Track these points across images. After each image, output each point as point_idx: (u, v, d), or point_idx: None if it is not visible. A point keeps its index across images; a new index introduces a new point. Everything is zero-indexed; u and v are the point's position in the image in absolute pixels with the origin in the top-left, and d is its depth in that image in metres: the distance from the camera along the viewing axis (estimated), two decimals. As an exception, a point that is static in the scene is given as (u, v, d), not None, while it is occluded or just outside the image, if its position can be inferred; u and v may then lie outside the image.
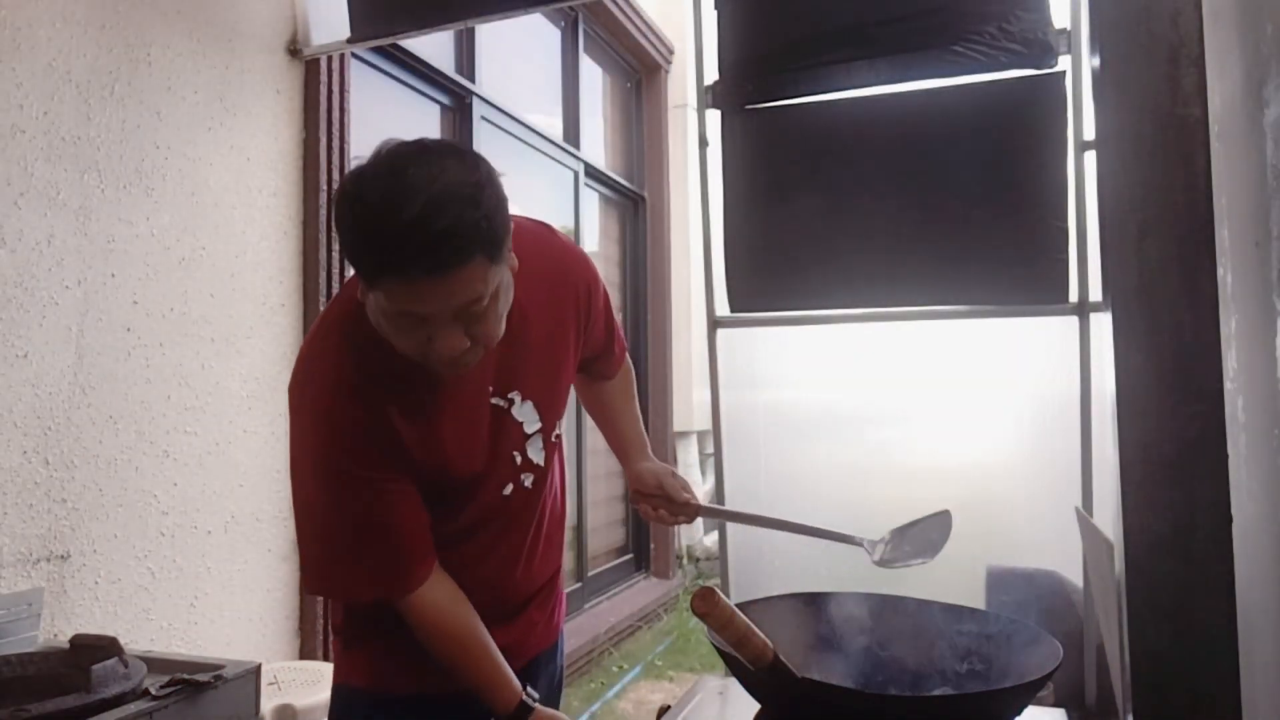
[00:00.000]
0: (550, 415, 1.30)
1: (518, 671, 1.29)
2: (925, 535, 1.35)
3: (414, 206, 0.95)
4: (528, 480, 1.29)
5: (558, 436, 1.35)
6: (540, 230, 1.33)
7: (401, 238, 0.95)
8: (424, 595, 1.19)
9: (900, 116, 1.84)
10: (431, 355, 1.06)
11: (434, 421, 1.18)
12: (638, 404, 1.60)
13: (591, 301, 1.37)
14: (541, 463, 1.30)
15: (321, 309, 2.61)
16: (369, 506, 1.15)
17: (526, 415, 1.27)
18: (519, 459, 1.28)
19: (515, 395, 1.25)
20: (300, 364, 1.21)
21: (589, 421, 4.86)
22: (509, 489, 1.27)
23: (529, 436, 1.28)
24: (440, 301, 1.01)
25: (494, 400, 1.24)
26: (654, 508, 1.42)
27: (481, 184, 1.01)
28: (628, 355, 1.57)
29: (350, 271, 1.15)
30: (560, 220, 4.74)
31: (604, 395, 1.54)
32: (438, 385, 1.17)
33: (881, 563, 1.33)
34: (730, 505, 2.02)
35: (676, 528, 5.80)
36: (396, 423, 1.15)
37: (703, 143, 2.01)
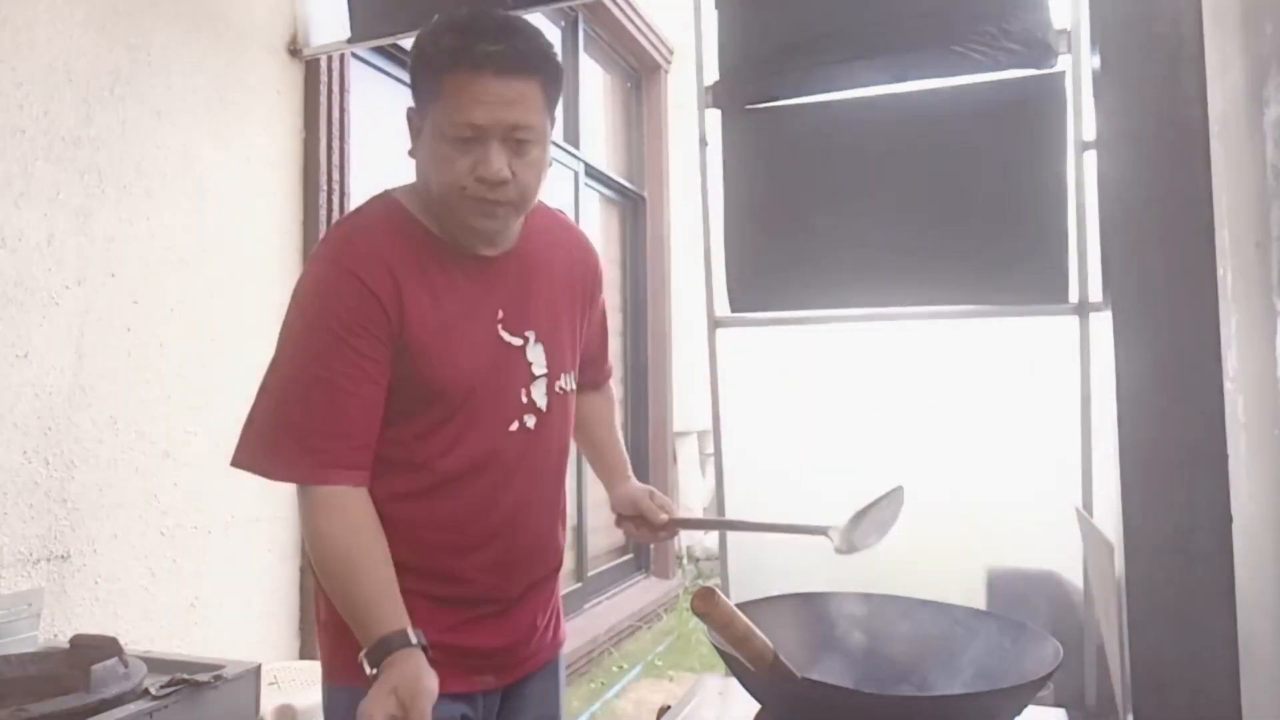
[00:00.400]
0: (555, 364, 1.31)
1: (507, 686, 1.31)
2: (880, 515, 1.35)
3: (500, 14, 1.17)
4: (530, 421, 1.28)
5: (562, 389, 1.33)
6: (566, 217, 1.45)
7: (484, 24, 1.13)
8: (339, 495, 1.15)
9: (900, 116, 1.84)
10: (474, 184, 1.14)
11: (443, 312, 1.20)
12: (619, 430, 1.60)
13: (596, 296, 1.43)
14: (544, 407, 1.29)
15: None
16: (335, 375, 1.15)
17: (536, 358, 1.28)
18: (524, 398, 1.27)
19: (530, 334, 1.28)
20: (330, 231, 1.28)
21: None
22: (514, 426, 1.26)
23: (535, 379, 1.28)
24: (499, 110, 1.11)
25: (506, 336, 1.25)
26: (635, 527, 1.45)
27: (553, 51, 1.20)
28: (611, 381, 1.59)
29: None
30: (560, 220, 4.74)
31: (588, 418, 1.53)
32: (455, 286, 1.22)
33: (841, 550, 1.33)
34: (729, 505, 2.02)
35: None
36: (406, 297, 1.17)
37: (703, 143, 2.01)
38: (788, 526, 1.38)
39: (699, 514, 5.95)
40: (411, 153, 1.22)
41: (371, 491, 1.19)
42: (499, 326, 1.25)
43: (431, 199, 1.20)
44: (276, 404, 1.18)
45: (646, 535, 1.44)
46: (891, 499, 1.36)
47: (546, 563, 1.38)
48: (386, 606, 1.13)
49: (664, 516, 1.42)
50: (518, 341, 1.26)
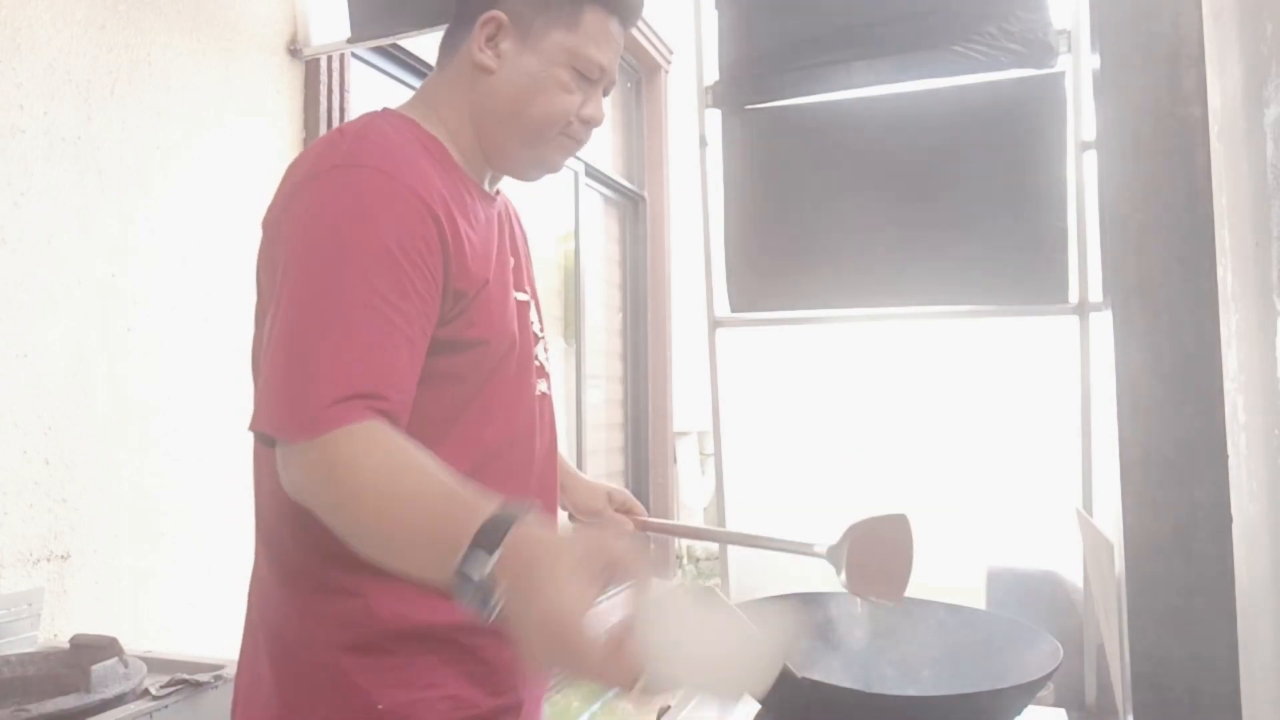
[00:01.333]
0: (543, 327, 1.21)
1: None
2: (882, 553, 1.21)
3: None
4: (543, 385, 1.16)
5: (549, 358, 1.22)
6: None
7: None
8: (383, 427, 0.85)
9: (900, 116, 1.84)
10: (575, 125, 1.09)
11: (481, 250, 1.03)
12: None
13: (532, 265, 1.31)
14: (548, 370, 1.20)
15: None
16: (390, 307, 0.89)
17: (534, 317, 1.18)
18: (535, 360, 1.15)
19: (527, 292, 1.17)
20: (349, 138, 1.00)
21: (588, 421, 4.87)
22: (538, 389, 1.14)
23: (538, 339, 1.18)
24: (615, 56, 1.11)
25: (515, 291, 1.12)
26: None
27: None
28: None
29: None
30: (560, 220, 4.74)
31: None
32: (479, 224, 1.06)
33: (850, 590, 1.20)
34: (729, 505, 2.02)
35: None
36: (458, 228, 0.98)
37: (703, 143, 2.00)
38: (773, 542, 1.26)
39: (699, 514, 5.95)
40: (486, 64, 1.06)
41: None
42: (510, 282, 1.11)
43: (498, 124, 1.07)
44: (312, 342, 0.87)
45: None
46: (895, 527, 1.21)
47: None
48: (470, 494, 0.78)
49: (629, 525, 1.33)
50: (520, 295, 1.13)
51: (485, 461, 1.02)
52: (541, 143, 1.09)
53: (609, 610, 0.68)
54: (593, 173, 4.97)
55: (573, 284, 4.77)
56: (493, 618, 0.71)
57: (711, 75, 1.98)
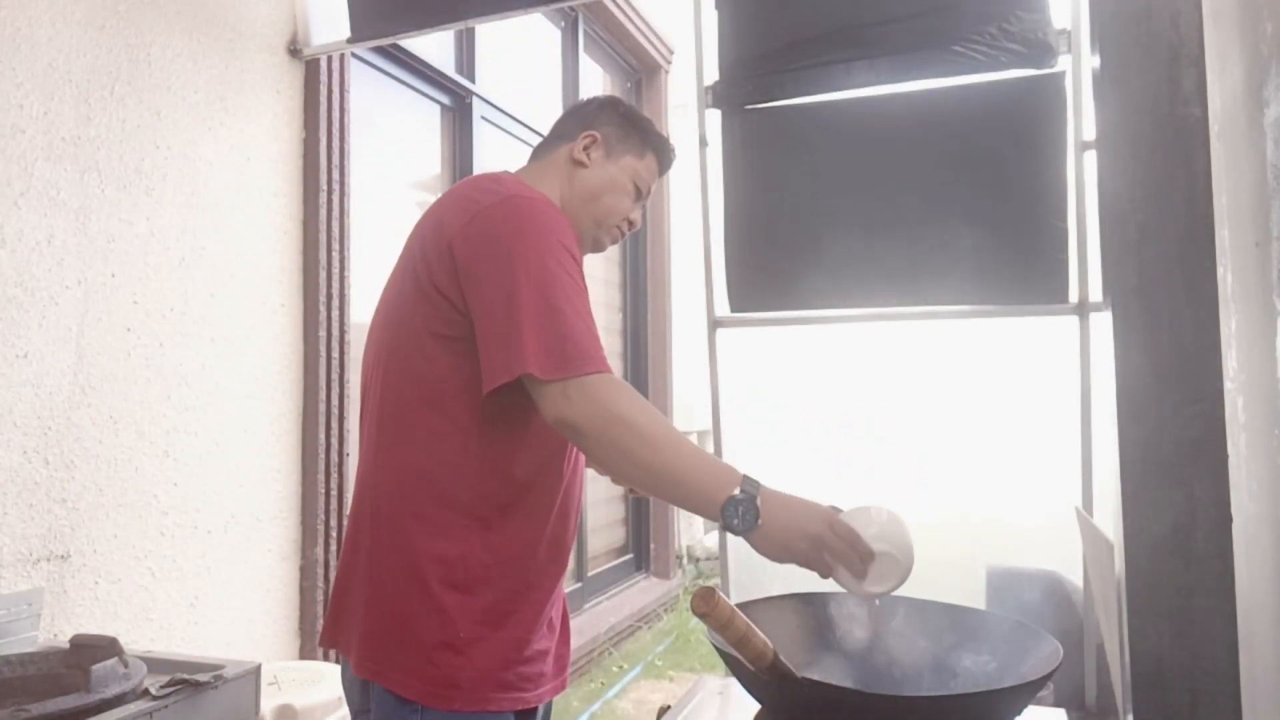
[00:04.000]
0: None
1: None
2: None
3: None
4: None
5: None
6: None
7: (672, 154, 1.54)
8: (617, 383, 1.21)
9: (900, 117, 1.84)
10: (624, 223, 1.47)
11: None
12: None
13: None
14: None
15: (321, 308, 2.61)
16: (584, 292, 1.23)
17: None
18: None
19: None
20: (514, 187, 1.31)
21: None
22: None
23: None
24: (652, 187, 1.51)
25: None
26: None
27: None
28: None
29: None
30: (560, 220, 4.75)
31: None
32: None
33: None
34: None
35: (676, 527, 5.80)
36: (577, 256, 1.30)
37: (703, 143, 2.01)
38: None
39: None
40: (582, 161, 1.44)
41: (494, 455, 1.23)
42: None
43: (581, 206, 1.43)
44: (566, 309, 1.18)
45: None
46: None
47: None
48: (719, 460, 1.19)
49: None
50: None
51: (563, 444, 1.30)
52: (603, 228, 1.45)
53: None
54: (593, 173, 4.97)
55: (573, 284, 4.77)
56: (747, 529, 1.11)
57: (711, 75, 1.98)
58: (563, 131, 1.48)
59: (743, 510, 1.10)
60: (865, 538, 1.08)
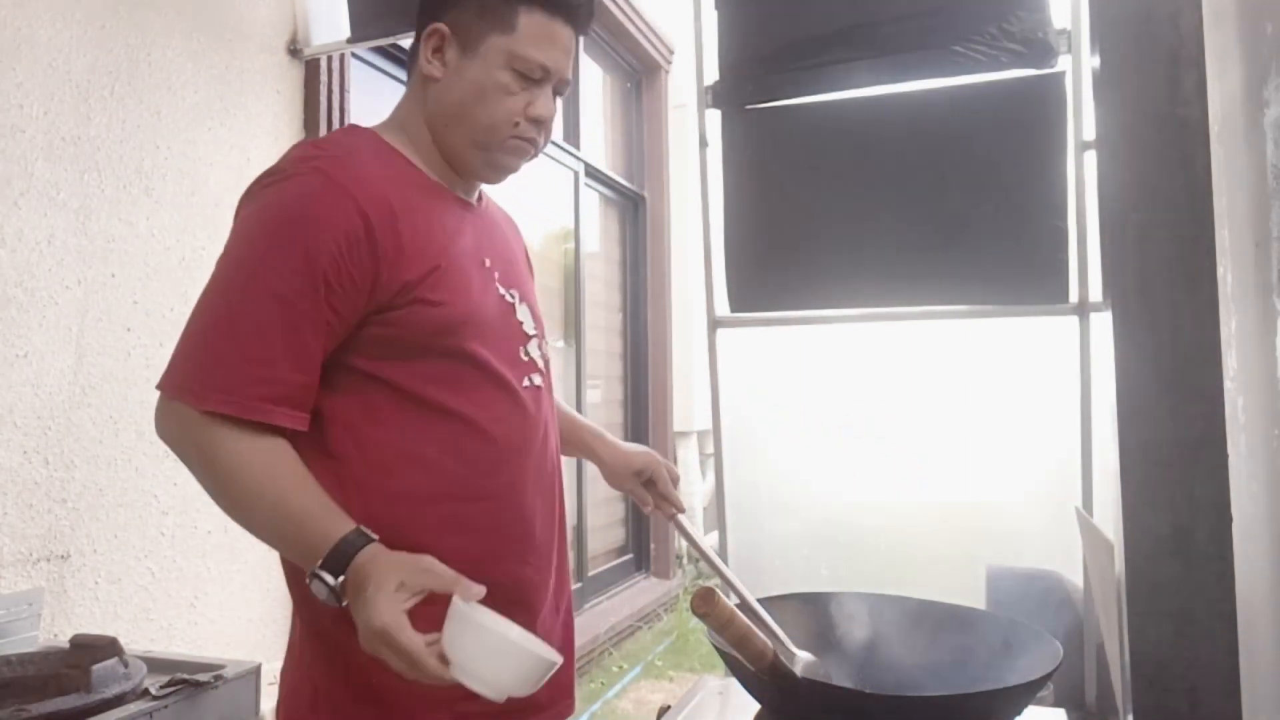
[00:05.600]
0: (539, 327, 1.26)
1: None
2: None
3: None
4: (536, 379, 1.21)
5: (545, 355, 1.26)
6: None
7: None
8: (271, 437, 1.01)
9: (900, 117, 1.84)
10: (523, 126, 1.13)
11: (446, 245, 1.11)
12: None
13: (533, 281, 1.37)
14: (543, 366, 1.23)
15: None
16: (299, 297, 1.00)
17: (525, 317, 1.22)
18: (524, 356, 1.20)
19: (515, 294, 1.21)
20: (302, 151, 1.10)
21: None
22: (527, 381, 1.18)
23: (529, 338, 1.22)
24: (563, 60, 1.15)
25: (499, 287, 1.18)
26: (647, 495, 1.42)
27: None
28: None
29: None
30: (560, 220, 4.75)
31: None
32: (447, 226, 1.14)
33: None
34: (729, 505, 2.02)
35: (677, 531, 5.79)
36: (404, 228, 1.06)
37: (703, 143, 2.00)
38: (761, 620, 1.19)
39: (699, 515, 5.95)
40: (434, 74, 1.14)
41: (376, 449, 1.06)
42: (492, 275, 1.18)
43: (451, 130, 1.14)
44: (219, 319, 1.02)
45: (664, 508, 1.42)
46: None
47: (558, 565, 1.24)
48: (330, 514, 0.98)
49: (672, 511, 1.42)
50: (503, 293, 1.19)
51: (472, 442, 1.10)
52: (493, 146, 1.14)
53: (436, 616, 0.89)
54: (593, 173, 4.97)
55: (572, 284, 4.77)
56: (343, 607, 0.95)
57: (711, 75, 1.98)
58: (415, 39, 1.19)
59: (325, 592, 0.95)
60: (452, 660, 0.87)
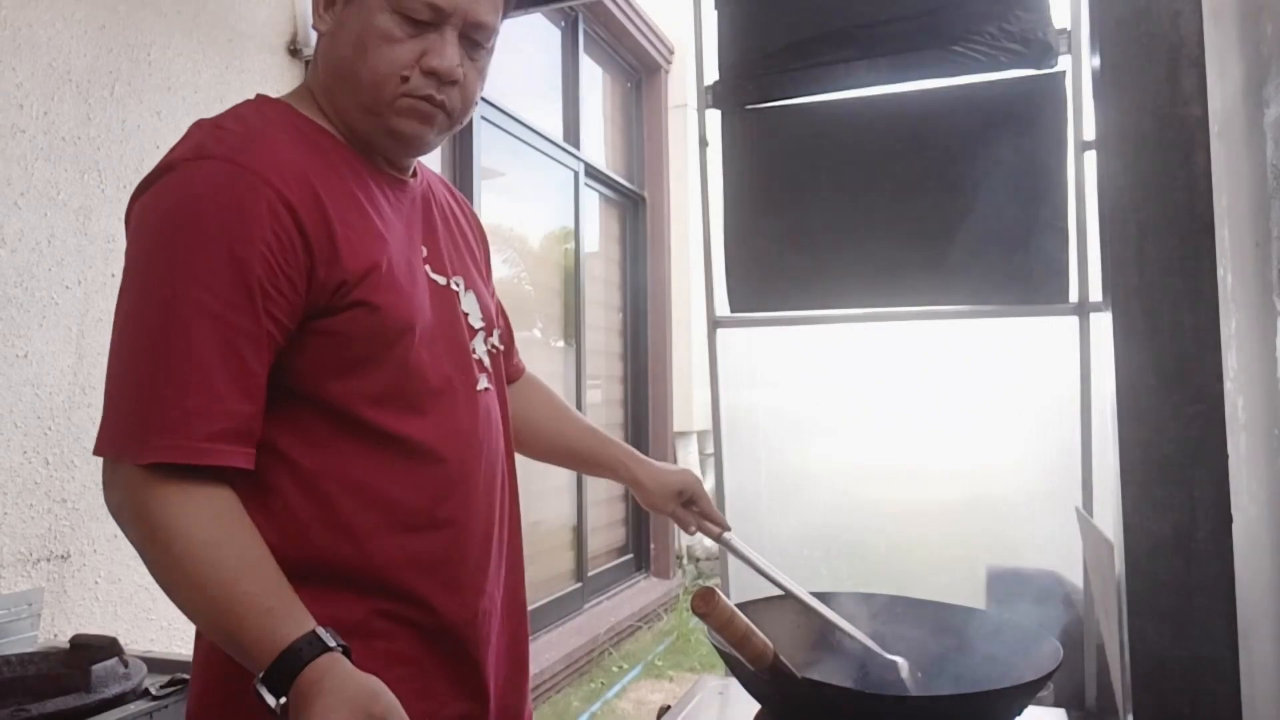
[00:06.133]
0: (488, 317, 1.12)
1: None
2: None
3: None
4: (484, 381, 1.08)
5: (495, 348, 1.13)
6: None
7: None
8: (209, 480, 0.85)
9: (900, 116, 1.84)
10: (419, 77, 0.95)
11: (377, 234, 0.96)
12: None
13: (490, 268, 1.25)
14: (491, 368, 1.10)
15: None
16: (231, 309, 0.85)
17: (471, 307, 1.09)
18: (474, 354, 1.07)
19: (459, 281, 1.08)
20: (202, 131, 0.94)
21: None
22: (479, 384, 1.06)
23: (475, 331, 1.09)
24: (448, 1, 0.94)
25: (433, 275, 1.04)
26: (688, 517, 1.33)
27: None
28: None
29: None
30: (560, 220, 4.75)
31: (546, 413, 1.32)
32: (379, 207, 0.98)
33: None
34: (729, 505, 2.02)
35: (677, 528, 5.80)
36: (333, 213, 0.91)
37: (703, 143, 2.00)
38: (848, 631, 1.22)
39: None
40: (321, 28, 0.99)
41: (313, 478, 0.92)
42: (425, 264, 1.03)
43: (341, 94, 0.98)
44: (142, 352, 0.86)
45: (709, 528, 1.33)
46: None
47: (513, 595, 1.12)
48: (283, 610, 0.82)
49: (718, 530, 1.32)
50: (443, 280, 1.05)
51: (421, 466, 0.97)
52: (380, 108, 0.96)
53: None
54: (593, 173, 4.98)
55: (572, 284, 4.77)
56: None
57: (711, 75, 1.98)
58: None
59: (269, 695, 0.80)
60: None
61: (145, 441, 0.84)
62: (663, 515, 1.35)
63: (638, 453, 1.37)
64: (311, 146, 0.97)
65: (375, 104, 0.96)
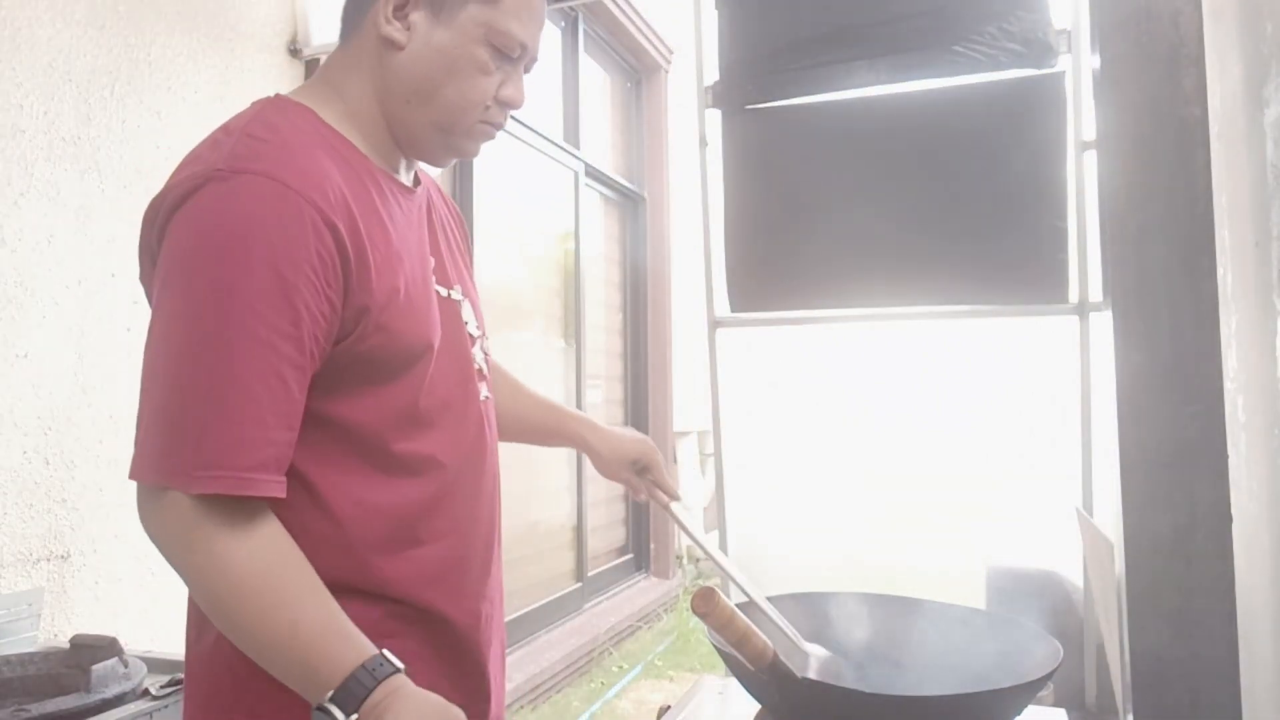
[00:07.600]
0: (481, 324, 1.14)
1: None
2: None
3: None
4: (485, 389, 1.10)
5: (487, 353, 1.15)
6: None
7: None
8: (254, 509, 0.85)
9: (900, 116, 1.84)
10: (495, 105, 1.00)
11: (398, 253, 0.96)
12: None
13: (471, 257, 1.25)
14: (487, 373, 1.12)
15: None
16: (279, 337, 0.84)
17: (469, 316, 1.10)
18: (475, 362, 1.08)
19: (459, 290, 1.09)
20: (235, 135, 0.91)
21: (589, 421, 4.87)
22: (481, 394, 1.08)
23: (474, 340, 1.10)
24: (539, 33, 1.02)
25: (440, 289, 1.05)
26: (638, 482, 1.35)
27: None
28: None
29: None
30: (560, 220, 4.75)
31: (505, 389, 1.31)
32: (396, 222, 0.98)
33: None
34: (729, 505, 2.02)
35: (677, 529, 5.79)
36: (367, 235, 0.91)
37: (703, 143, 2.00)
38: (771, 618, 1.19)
39: (699, 514, 5.95)
40: (393, 36, 0.98)
41: (325, 497, 0.92)
42: (438, 279, 1.05)
43: (411, 107, 0.98)
44: (194, 377, 0.83)
45: (660, 496, 1.35)
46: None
47: (502, 612, 1.14)
48: (346, 633, 0.85)
49: (666, 499, 1.35)
50: (446, 293, 1.06)
51: (430, 481, 0.98)
52: (457, 129, 1.00)
53: None
54: (593, 173, 4.97)
55: (572, 284, 4.77)
56: None
57: (711, 75, 1.98)
58: None
59: None
60: None
61: (194, 471, 0.83)
62: (617, 482, 1.37)
63: (596, 422, 1.38)
64: (341, 161, 0.96)
65: (453, 125, 1.00)
